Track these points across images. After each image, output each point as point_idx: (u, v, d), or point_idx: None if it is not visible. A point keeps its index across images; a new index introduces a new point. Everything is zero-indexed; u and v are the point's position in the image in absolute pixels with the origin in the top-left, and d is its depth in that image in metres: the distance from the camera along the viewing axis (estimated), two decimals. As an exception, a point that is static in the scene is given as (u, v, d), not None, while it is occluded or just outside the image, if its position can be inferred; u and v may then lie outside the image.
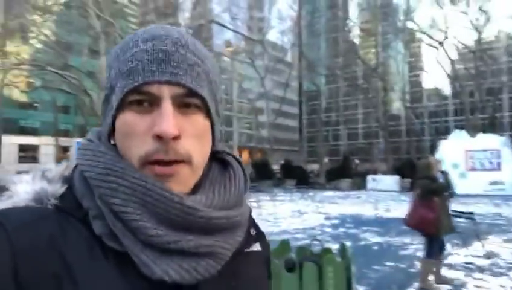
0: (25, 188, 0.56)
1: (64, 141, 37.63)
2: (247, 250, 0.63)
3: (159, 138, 0.51)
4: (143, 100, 0.52)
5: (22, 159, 41.73)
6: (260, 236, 0.68)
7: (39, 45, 34.24)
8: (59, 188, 0.56)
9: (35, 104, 44.26)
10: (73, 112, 43.80)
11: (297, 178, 28.49)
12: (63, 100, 41.02)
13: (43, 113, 43.87)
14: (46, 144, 42.19)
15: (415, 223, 4.87)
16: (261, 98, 44.96)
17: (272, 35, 51.81)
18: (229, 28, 49.32)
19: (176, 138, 0.51)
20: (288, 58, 54.65)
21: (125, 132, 0.53)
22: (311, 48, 59.21)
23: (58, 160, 35.77)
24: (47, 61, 29.23)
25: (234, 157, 0.65)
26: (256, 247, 0.66)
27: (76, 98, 32.03)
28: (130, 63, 0.53)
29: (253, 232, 0.66)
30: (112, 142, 0.57)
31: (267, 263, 0.70)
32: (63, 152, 36.71)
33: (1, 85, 32.24)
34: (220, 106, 0.61)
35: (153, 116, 0.52)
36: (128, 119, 0.53)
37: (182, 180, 0.54)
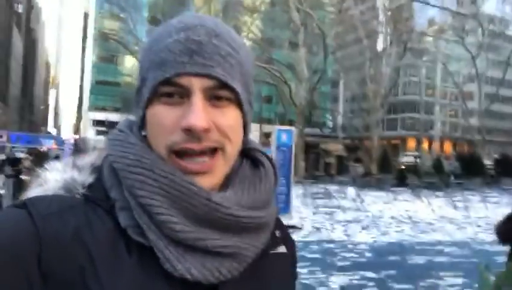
0: (55, 176, 0.56)
1: (267, 127, 41.59)
2: (272, 252, 0.61)
3: (188, 131, 0.50)
4: (174, 92, 0.51)
5: (233, 143, 48.67)
6: (286, 238, 0.66)
7: (248, 43, 38.51)
8: (88, 178, 0.56)
9: (245, 95, 50.33)
10: (275, 101, 47.81)
11: (518, 176, 23.57)
12: (267, 91, 45.21)
13: (251, 103, 49.46)
14: (252, 131, 47.71)
15: None
16: (471, 81, 38.99)
17: (489, 7, 43.96)
18: (432, 5, 44.29)
19: (206, 130, 0.50)
20: (510, 31, 45.46)
21: (154, 123, 0.52)
22: (543, 15, 47.64)
23: (263, 144, 40.04)
24: (254, 57, 32.55)
25: (266, 156, 0.63)
26: (282, 249, 0.64)
27: (277, 88, 34.71)
28: (162, 53, 0.52)
29: (278, 234, 0.64)
30: (143, 133, 0.56)
31: (293, 265, 0.68)
32: (266, 138, 40.62)
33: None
34: (252, 98, 0.59)
35: (183, 109, 0.51)
36: (158, 111, 0.52)
37: (216, 173, 0.53)
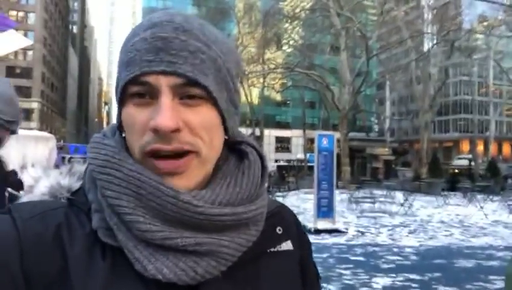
0: (44, 183, 0.58)
1: (310, 133, 41.48)
2: (272, 250, 0.59)
3: (156, 131, 0.48)
4: (143, 92, 0.50)
5: (278, 149, 49.15)
6: (292, 233, 0.63)
7: (289, 49, 38.74)
8: (75, 182, 0.57)
9: (288, 102, 50.79)
10: (318, 106, 47.59)
11: None
12: (310, 96, 45.15)
13: (294, 109, 49.77)
14: (296, 136, 47.81)
15: None
16: (528, 78, 36.57)
17: (546, -2, 41.09)
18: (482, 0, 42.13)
19: (176, 131, 0.48)
20: None
21: (127, 124, 0.52)
22: None
23: (306, 150, 40.23)
24: (296, 63, 32.85)
25: (253, 146, 0.60)
26: (286, 246, 0.61)
27: (320, 93, 34.59)
28: (129, 53, 0.51)
29: (279, 230, 0.61)
30: (124, 135, 0.55)
31: (303, 263, 0.63)
32: (310, 143, 40.49)
33: (262, 87, 38.34)
34: (236, 95, 0.56)
35: (153, 109, 0.49)
36: (130, 112, 0.51)
37: (190, 175, 0.51)
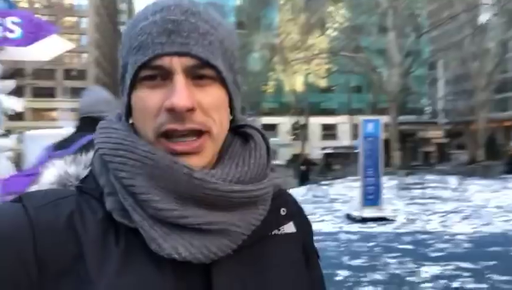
0: (52, 172, 0.60)
1: (357, 119, 40.50)
2: (277, 232, 0.60)
3: (171, 111, 0.49)
4: (155, 74, 0.51)
5: (324, 137, 48.71)
6: (294, 215, 0.64)
7: (334, 33, 37.84)
8: (83, 170, 0.59)
9: (333, 88, 49.80)
10: (365, 91, 46.19)
11: None
12: (355, 81, 43.87)
13: (339, 95, 48.63)
14: (342, 123, 46.87)
15: None
16: None
17: None
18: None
19: (190, 110, 0.50)
20: None
21: (139, 107, 0.52)
22: None
23: (353, 136, 39.38)
24: (340, 47, 32.05)
25: (257, 129, 0.62)
26: (289, 228, 0.62)
27: (366, 77, 33.56)
28: (139, 37, 0.51)
29: (283, 211, 0.61)
30: (131, 121, 0.56)
31: (306, 246, 0.65)
32: (357, 129, 39.59)
33: (306, 74, 37.86)
34: (238, 76, 0.58)
35: (166, 90, 0.50)
36: (142, 94, 0.52)
37: (203, 153, 0.53)
